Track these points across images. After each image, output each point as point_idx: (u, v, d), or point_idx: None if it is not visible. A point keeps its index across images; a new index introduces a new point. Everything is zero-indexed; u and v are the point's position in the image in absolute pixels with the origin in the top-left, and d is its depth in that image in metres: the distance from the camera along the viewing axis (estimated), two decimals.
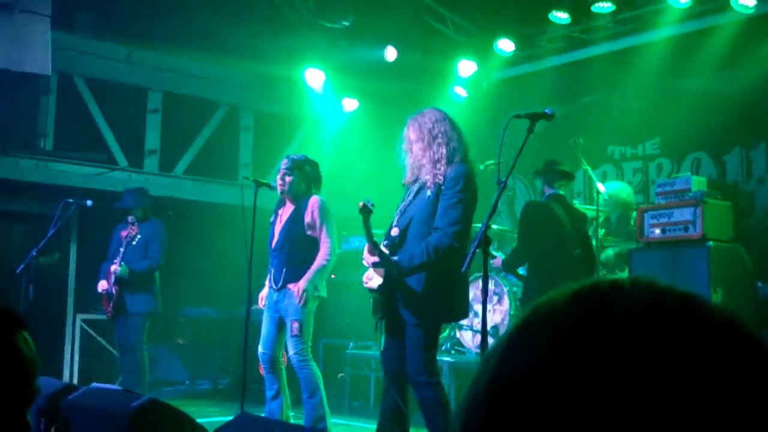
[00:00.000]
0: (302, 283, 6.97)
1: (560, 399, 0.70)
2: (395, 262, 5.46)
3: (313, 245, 7.15)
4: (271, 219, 7.42)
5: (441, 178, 5.50)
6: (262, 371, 9.07)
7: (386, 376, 5.83)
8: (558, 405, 0.70)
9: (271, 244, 7.30)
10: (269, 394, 7.28)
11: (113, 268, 8.81)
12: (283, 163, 7.24)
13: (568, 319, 0.74)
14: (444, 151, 5.59)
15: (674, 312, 0.73)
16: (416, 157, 5.65)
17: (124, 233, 9.01)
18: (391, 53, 11.15)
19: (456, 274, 5.43)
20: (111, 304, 8.93)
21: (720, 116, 9.07)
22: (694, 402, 0.68)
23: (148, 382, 8.91)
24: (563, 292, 0.77)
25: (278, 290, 7.13)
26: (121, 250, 8.91)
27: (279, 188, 7.22)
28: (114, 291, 8.87)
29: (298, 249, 7.12)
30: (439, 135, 5.65)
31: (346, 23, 10.45)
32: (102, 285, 8.95)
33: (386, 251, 5.57)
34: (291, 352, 7.04)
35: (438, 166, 5.55)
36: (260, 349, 7.25)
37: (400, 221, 5.65)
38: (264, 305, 7.35)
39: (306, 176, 7.25)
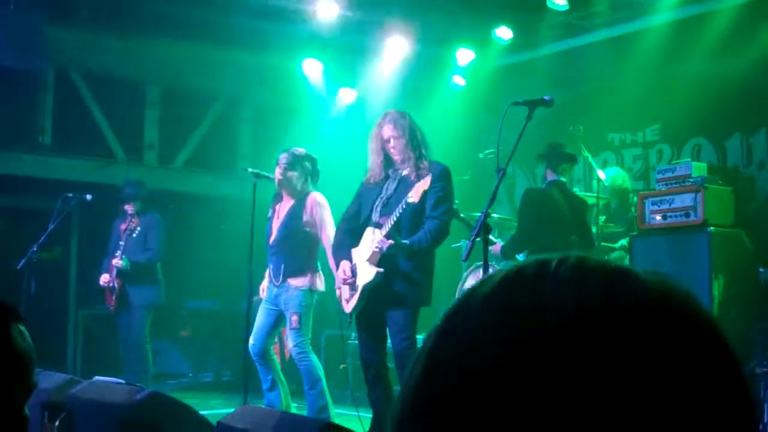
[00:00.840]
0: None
1: (482, 389, 0.68)
2: (407, 246, 5.84)
3: (311, 240, 7.18)
4: (269, 214, 7.42)
5: (426, 172, 5.87)
6: None
7: (371, 368, 6.17)
8: (479, 396, 0.68)
9: (269, 240, 7.30)
10: (265, 386, 7.31)
11: (115, 261, 8.79)
12: (284, 157, 7.22)
13: (492, 305, 0.72)
14: (422, 149, 6.10)
15: (597, 294, 0.70)
16: (399, 154, 6.11)
17: (123, 226, 8.99)
18: (391, 46, 11.13)
19: (433, 264, 6.04)
20: (114, 298, 8.92)
21: (720, 102, 9.03)
22: (612, 386, 0.66)
23: (151, 375, 8.90)
24: (492, 277, 0.76)
25: (278, 285, 7.15)
26: (121, 243, 8.88)
27: (277, 181, 7.22)
28: (116, 284, 8.85)
29: (297, 244, 7.14)
30: (417, 134, 6.16)
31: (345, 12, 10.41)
32: (104, 278, 8.95)
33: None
34: (290, 344, 7.10)
35: (420, 162, 6.02)
36: (251, 340, 7.25)
37: (386, 211, 6.04)
38: (264, 296, 7.38)
39: (305, 171, 7.24)
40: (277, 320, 7.21)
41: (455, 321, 0.75)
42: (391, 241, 5.79)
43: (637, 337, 0.68)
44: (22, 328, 1.56)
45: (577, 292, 0.70)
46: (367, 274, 5.99)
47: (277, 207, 7.36)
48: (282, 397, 7.24)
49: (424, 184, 5.66)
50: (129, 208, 9.04)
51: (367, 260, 5.99)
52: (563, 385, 0.66)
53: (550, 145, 7.89)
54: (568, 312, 0.69)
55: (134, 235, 8.93)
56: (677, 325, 0.70)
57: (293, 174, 7.18)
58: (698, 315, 0.72)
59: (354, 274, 6.11)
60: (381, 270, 5.90)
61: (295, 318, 7.01)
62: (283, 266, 7.11)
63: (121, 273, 8.82)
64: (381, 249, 5.82)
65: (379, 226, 6.01)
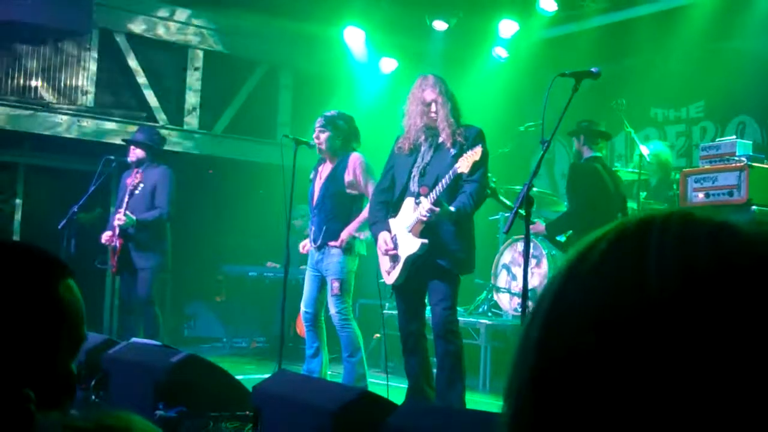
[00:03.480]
0: (344, 235, 7.02)
1: (605, 350, 0.68)
2: (454, 213, 5.77)
3: (354, 202, 7.17)
4: (311, 176, 7.44)
5: (461, 138, 5.91)
6: (300, 330, 9.15)
7: (410, 339, 6.15)
8: (600, 358, 0.68)
9: (311, 202, 7.33)
10: (309, 352, 7.36)
11: (117, 218, 8.35)
12: (318, 122, 7.28)
13: (600, 265, 0.72)
14: (459, 116, 6.05)
15: (702, 249, 0.69)
16: (442, 120, 6.01)
17: (129, 180, 8.58)
18: (440, 25, 11.06)
19: (473, 231, 6.09)
20: (115, 258, 8.51)
21: (766, 79, 8.90)
22: (725, 348, 0.65)
23: (162, 338, 8.21)
24: (596, 235, 0.75)
25: (318, 248, 7.17)
26: (126, 199, 8.46)
27: (317, 146, 7.24)
28: (118, 244, 8.43)
29: (338, 207, 7.13)
30: (455, 100, 6.11)
31: None
32: (106, 236, 8.57)
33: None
34: (333, 311, 7.10)
35: (458, 127, 5.99)
36: (302, 308, 7.33)
37: (425, 180, 5.98)
38: (307, 251, 7.44)
39: (341, 131, 7.24)
40: (322, 285, 7.25)
41: (579, 268, 0.74)
42: (437, 209, 5.71)
43: (748, 295, 0.67)
44: (71, 282, 1.56)
45: (683, 251, 0.69)
46: (410, 245, 5.94)
47: (319, 168, 7.38)
48: (323, 365, 7.28)
49: (474, 154, 5.62)
50: (132, 155, 8.59)
51: (410, 231, 5.94)
52: (668, 352, 0.66)
53: (582, 121, 7.80)
54: (672, 271, 0.68)
55: (137, 191, 8.43)
56: None
57: (327, 134, 7.20)
58: None
59: (395, 245, 6.08)
60: (426, 241, 5.84)
61: (336, 284, 7.03)
62: (324, 228, 7.12)
63: (123, 233, 8.40)
64: (429, 216, 5.72)
65: (418, 195, 5.95)
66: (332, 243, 7.04)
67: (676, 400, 0.65)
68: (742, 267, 0.68)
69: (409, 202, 6.04)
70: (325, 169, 7.32)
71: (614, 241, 0.73)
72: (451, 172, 5.71)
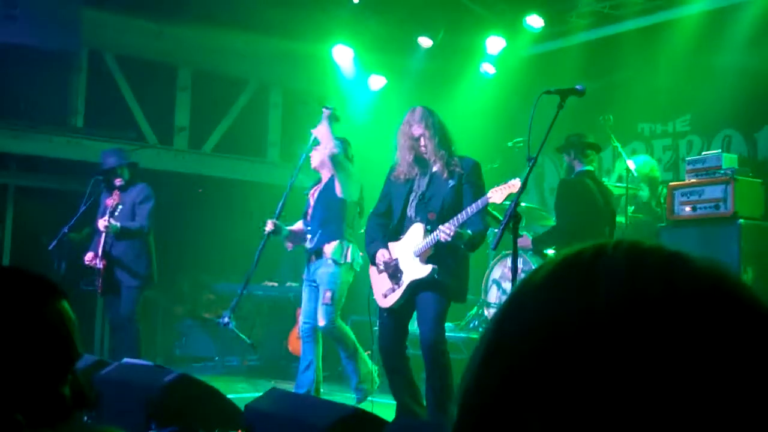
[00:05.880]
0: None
1: (545, 371, 0.71)
2: (469, 235, 5.87)
3: (345, 208, 7.38)
4: (307, 191, 7.67)
5: (458, 169, 6.04)
6: (292, 348, 9.16)
7: (396, 358, 6.23)
8: (543, 378, 0.71)
9: (306, 215, 7.55)
10: (302, 365, 7.45)
11: (101, 223, 8.28)
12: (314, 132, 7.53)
13: (552, 289, 0.75)
14: (450, 145, 6.16)
15: (652, 277, 0.72)
16: (431, 153, 6.12)
17: (108, 201, 8.48)
18: (425, 42, 11.11)
19: (469, 262, 6.24)
20: (100, 279, 8.45)
21: (751, 93, 8.96)
22: (671, 370, 0.68)
23: (152, 357, 8.25)
24: (550, 261, 0.79)
25: (314, 253, 7.34)
26: (106, 216, 8.35)
27: (311, 158, 7.54)
28: (101, 265, 8.39)
29: (329, 211, 7.33)
30: (445, 131, 6.21)
31: None
32: (88, 257, 8.49)
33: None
34: (321, 321, 7.21)
35: (451, 159, 6.10)
36: (301, 319, 7.50)
37: (430, 206, 6.09)
38: (291, 248, 7.71)
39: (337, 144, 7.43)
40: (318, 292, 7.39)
41: (519, 301, 0.78)
42: (457, 230, 5.79)
43: (695, 321, 0.70)
44: (63, 303, 1.57)
45: (632, 277, 0.72)
46: (418, 270, 6.01)
47: (315, 187, 7.61)
48: (313, 380, 7.33)
49: (512, 187, 5.68)
50: (118, 181, 8.49)
51: (418, 256, 6.00)
52: (618, 367, 0.69)
53: (571, 136, 7.82)
54: (622, 296, 0.71)
55: (117, 213, 8.33)
56: (732, 310, 0.72)
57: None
58: (751, 299, 0.74)
59: (397, 269, 6.14)
60: (435, 266, 5.93)
61: (328, 294, 7.16)
62: (319, 233, 7.26)
63: (106, 253, 8.33)
64: (447, 239, 5.77)
65: (428, 221, 6.04)
66: (326, 247, 7.20)
67: (618, 420, 0.68)
68: (690, 295, 0.71)
69: (417, 227, 6.10)
70: (320, 186, 7.53)
71: (565, 267, 0.76)
72: (480, 201, 5.80)
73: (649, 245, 0.76)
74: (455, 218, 5.83)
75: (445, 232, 5.77)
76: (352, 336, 7.33)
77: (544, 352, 0.71)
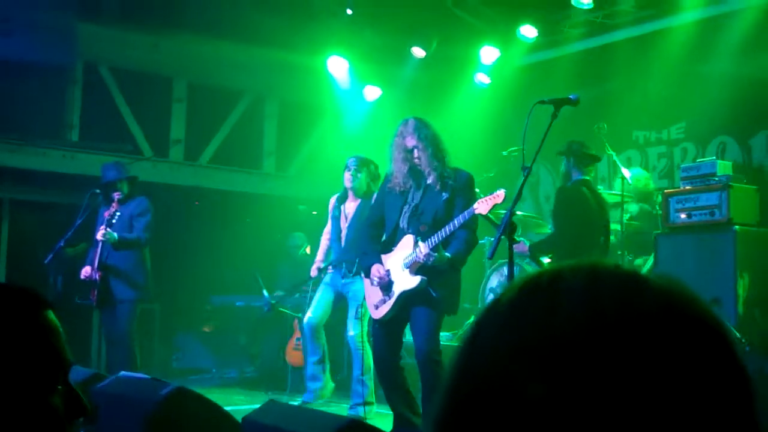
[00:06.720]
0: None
1: (500, 394, 0.74)
2: (449, 258, 5.93)
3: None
4: (334, 213, 8.13)
5: (452, 181, 6.06)
6: (290, 359, 9.20)
7: (392, 370, 6.26)
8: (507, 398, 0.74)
9: (339, 238, 7.99)
10: (314, 358, 8.08)
11: (100, 233, 8.28)
12: (352, 161, 7.92)
13: (515, 317, 0.78)
14: (445, 157, 6.17)
15: (610, 299, 0.75)
16: (425, 165, 6.14)
17: (106, 213, 8.47)
18: (418, 52, 11.13)
19: (460, 273, 6.25)
20: (95, 292, 8.44)
21: (745, 100, 8.98)
22: (630, 387, 0.71)
23: (150, 370, 8.18)
24: (513, 286, 0.81)
25: (348, 278, 7.85)
26: (104, 225, 8.33)
27: (347, 183, 7.91)
28: (98, 277, 8.39)
29: None
30: (439, 142, 6.22)
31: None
32: (85, 271, 8.50)
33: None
34: (351, 332, 7.73)
35: (445, 170, 6.11)
36: (309, 313, 7.98)
37: (423, 218, 6.11)
38: (315, 275, 8.21)
39: (370, 174, 7.92)
40: (336, 301, 8.00)
41: (480, 328, 0.81)
42: (435, 254, 5.86)
43: (650, 339, 0.73)
44: (49, 314, 1.56)
45: (590, 299, 0.75)
46: (407, 281, 6.03)
47: (342, 207, 8.04)
48: (323, 387, 8.09)
49: (496, 198, 5.72)
50: (117, 195, 8.44)
51: (408, 267, 6.02)
52: (577, 389, 0.71)
53: (573, 143, 7.82)
54: (583, 318, 0.74)
55: (114, 220, 8.33)
56: (685, 327, 0.75)
57: (362, 176, 7.88)
58: (703, 315, 0.77)
59: (388, 277, 6.15)
60: (425, 277, 5.95)
61: (361, 310, 7.57)
62: (357, 261, 7.36)
63: (102, 265, 8.34)
64: (425, 261, 5.85)
65: (418, 233, 6.05)
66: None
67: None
68: (645, 315, 0.74)
69: (408, 239, 6.12)
70: (349, 207, 7.98)
71: (527, 292, 0.79)
72: (466, 213, 5.81)
73: (606, 267, 0.79)
74: (439, 232, 5.88)
75: (423, 252, 5.85)
76: (371, 358, 7.52)
77: (508, 376, 0.74)
